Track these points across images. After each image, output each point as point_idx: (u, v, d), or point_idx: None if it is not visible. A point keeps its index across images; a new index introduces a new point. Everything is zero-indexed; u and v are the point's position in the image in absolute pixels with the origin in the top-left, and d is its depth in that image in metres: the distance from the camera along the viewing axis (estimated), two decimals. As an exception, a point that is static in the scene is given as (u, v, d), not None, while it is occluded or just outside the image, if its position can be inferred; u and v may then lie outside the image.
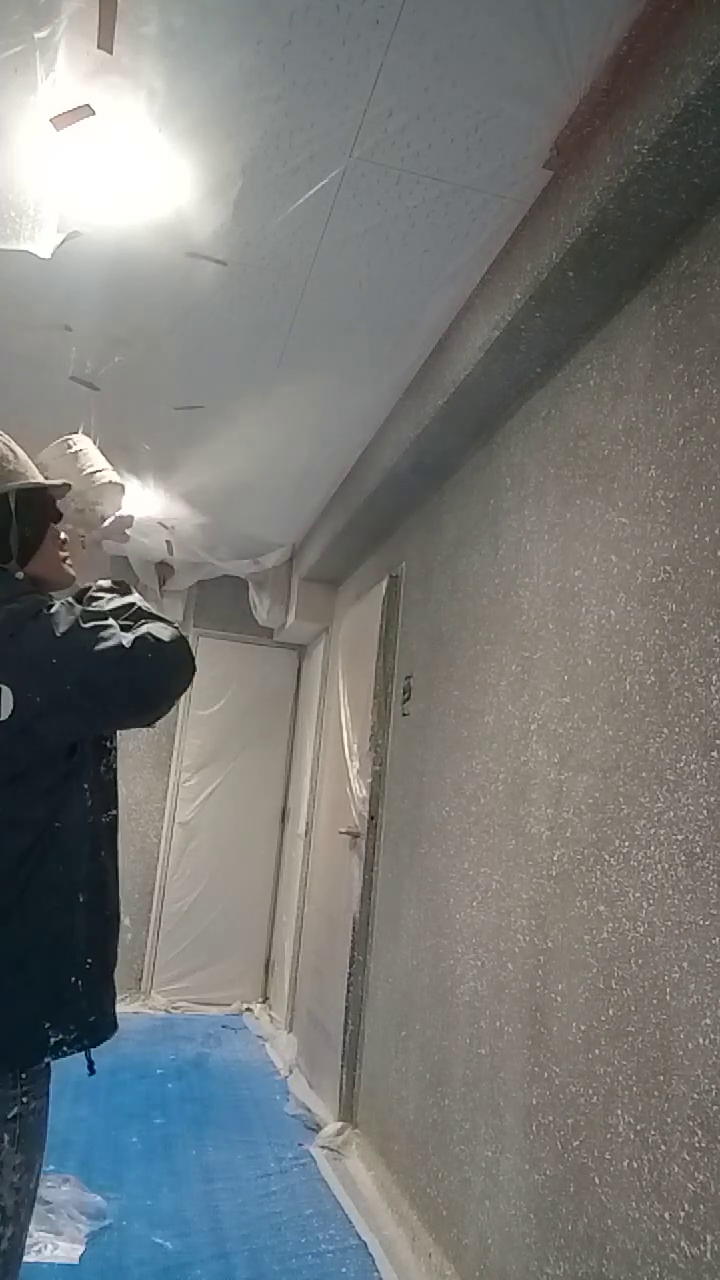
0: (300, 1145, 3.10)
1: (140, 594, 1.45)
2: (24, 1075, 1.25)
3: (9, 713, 1.23)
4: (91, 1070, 1.35)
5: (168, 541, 4.65)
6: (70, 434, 1.75)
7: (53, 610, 1.29)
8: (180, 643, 1.32)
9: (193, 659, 1.35)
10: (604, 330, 2.01)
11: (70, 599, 1.34)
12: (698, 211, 1.67)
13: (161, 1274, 2.23)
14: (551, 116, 1.77)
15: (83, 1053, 1.32)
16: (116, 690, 1.27)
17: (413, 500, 3.36)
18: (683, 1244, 1.32)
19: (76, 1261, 2.22)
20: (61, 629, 1.26)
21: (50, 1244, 2.24)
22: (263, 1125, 3.29)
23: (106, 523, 1.70)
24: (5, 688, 1.24)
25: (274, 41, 1.64)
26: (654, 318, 1.79)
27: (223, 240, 2.23)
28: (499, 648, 2.36)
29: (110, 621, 1.29)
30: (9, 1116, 1.22)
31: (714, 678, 1.43)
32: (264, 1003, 5.07)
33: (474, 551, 2.66)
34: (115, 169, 1.98)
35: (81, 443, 1.73)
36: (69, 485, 1.48)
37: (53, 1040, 1.27)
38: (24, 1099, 1.25)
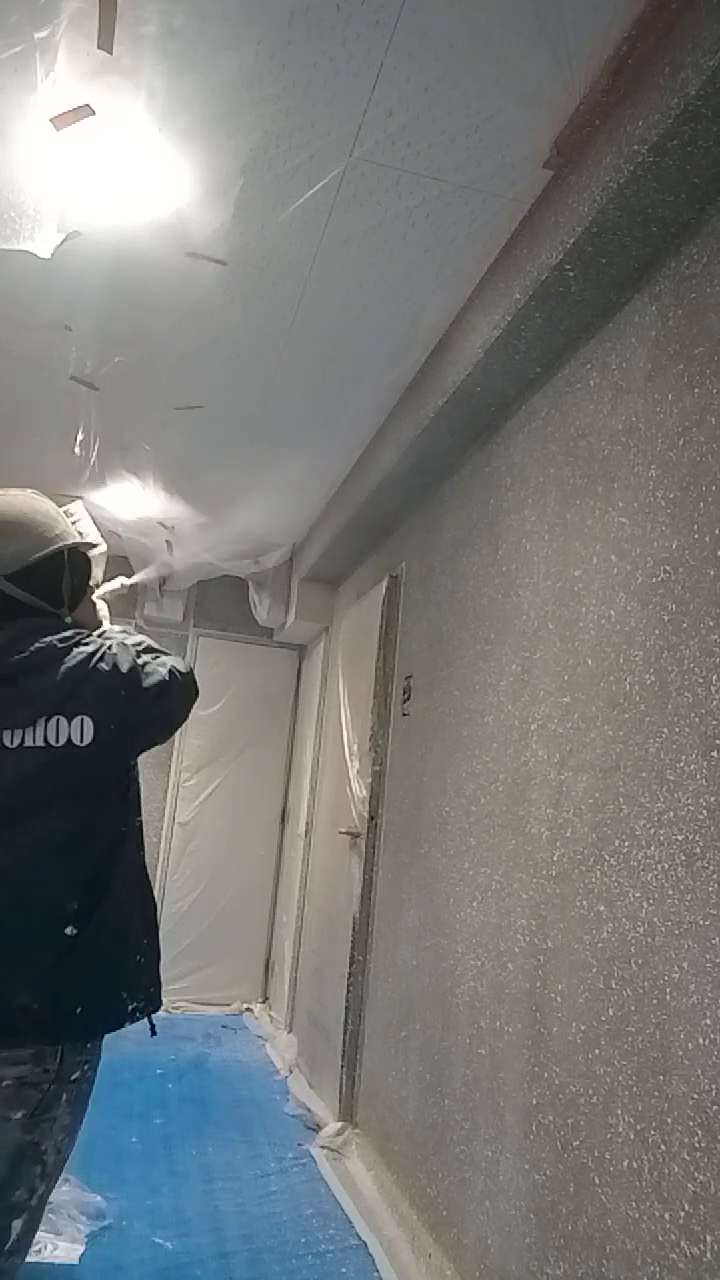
0: (300, 1145, 3.10)
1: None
2: (90, 1045, 1.52)
3: (91, 739, 1.49)
4: (154, 1032, 1.63)
5: (168, 541, 4.65)
6: (69, 503, 1.95)
7: (113, 649, 1.56)
8: (192, 673, 1.67)
9: (198, 687, 1.69)
10: (604, 330, 2.01)
11: (119, 639, 1.62)
12: (698, 211, 1.67)
13: (161, 1274, 2.23)
14: (551, 116, 1.77)
15: (146, 1020, 1.61)
16: (162, 717, 1.62)
17: (413, 500, 3.36)
18: (683, 1244, 1.32)
19: (76, 1262, 2.22)
20: (125, 667, 1.54)
21: (50, 1244, 2.24)
22: (263, 1125, 3.29)
23: (107, 586, 2.01)
24: (87, 718, 1.50)
25: (274, 41, 1.64)
26: (654, 318, 1.79)
27: (223, 240, 2.23)
28: (499, 648, 2.36)
29: (148, 659, 1.60)
30: (72, 1079, 1.47)
31: (714, 678, 1.43)
32: (264, 1003, 5.07)
33: (474, 551, 2.66)
34: (115, 169, 1.98)
35: (79, 513, 1.93)
36: (100, 545, 1.79)
37: (129, 1008, 1.56)
38: (85, 1067, 1.51)
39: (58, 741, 1.49)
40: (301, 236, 2.19)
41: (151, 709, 1.57)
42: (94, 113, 1.78)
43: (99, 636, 1.61)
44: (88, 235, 2.20)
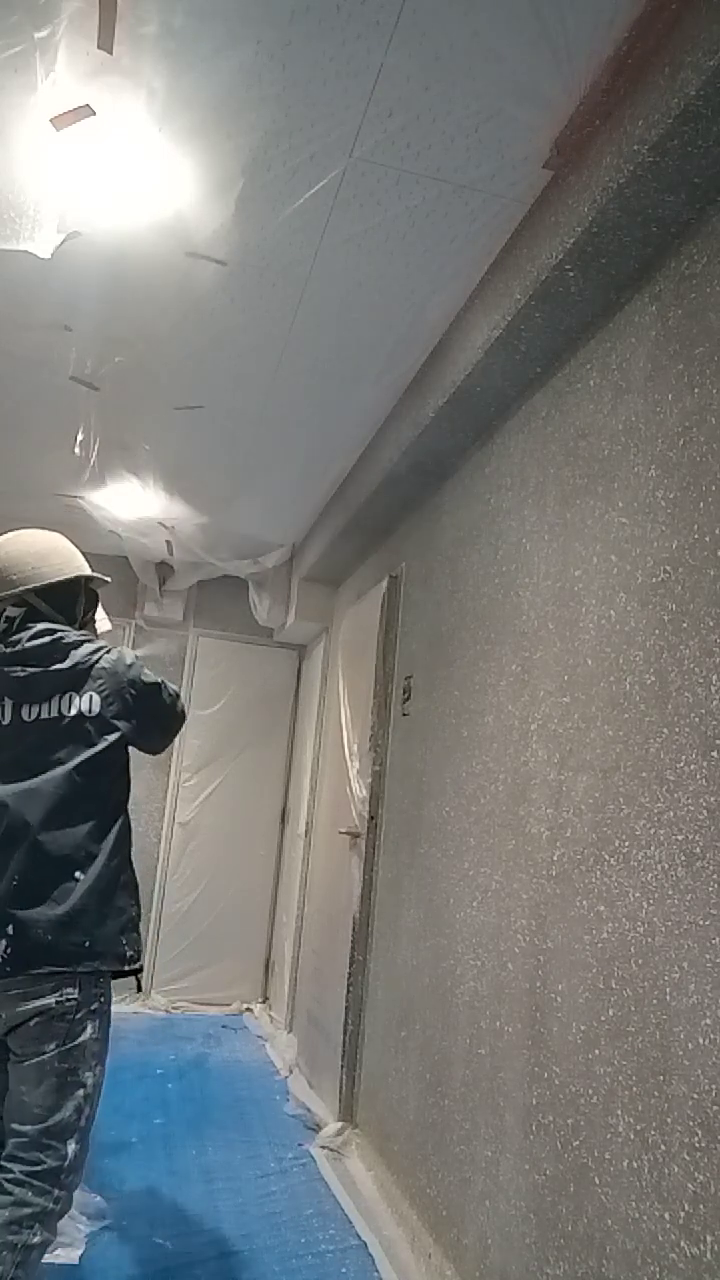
0: (300, 1145, 3.10)
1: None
2: (102, 979, 1.80)
3: (97, 710, 1.89)
4: (140, 988, 2.03)
5: (168, 541, 4.65)
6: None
7: (117, 649, 1.98)
8: (179, 695, 2.09)
9: (185, 712, 2.12)
10: (604, 330, 2.01)
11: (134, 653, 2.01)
12: (698, 211, 1.67)
13: (161, 1274, 2.23)
14: (551, 116, 1.77)
15: (134, 977, 1.89)
16: (155, 699, 1.99)
17: (413, 500, 3.36)
18: (683, 1244, 1.32)
19: (76, 1262, 2.22)
20: (128, 659, 1.96)
21: (50, 1244, 2.24)
22: (263, 1125, 3.29)
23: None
24: (94, 694, 1.89)
25: (274, 41, 1.64)
26: (654, 318, 1.79)
27: (223, 240, 2.23)
28: (499, 648, 2.36)
29: (162, 680, 2.03)
30: (92, 1008, 1.76)
31: (714, 678, 1.43)
32: (264, 1003, 5.07)
33: (474, 551, 2.66)
34: (115, 169, 1.98)
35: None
36: (109, 581, 2.18)
37: (127, 954, 1.83)
38: (101, 998, 1.79)
39: (69, 712, 1.87)
40: (301, 236, 2.19)
41: (146, 689, 1.95)
42: (94, 113, 1.78)
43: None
44: (88, 235, 2.20)
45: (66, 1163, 1.69)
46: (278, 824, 5.36)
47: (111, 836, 1.88)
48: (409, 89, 1.72)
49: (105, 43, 1.62)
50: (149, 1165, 2.85)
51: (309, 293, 2.45)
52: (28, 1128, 1.68)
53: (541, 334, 2.15)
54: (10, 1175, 1.65)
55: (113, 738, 1.90)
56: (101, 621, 2.20)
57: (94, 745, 1.87)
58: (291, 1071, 3.89)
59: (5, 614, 1.95)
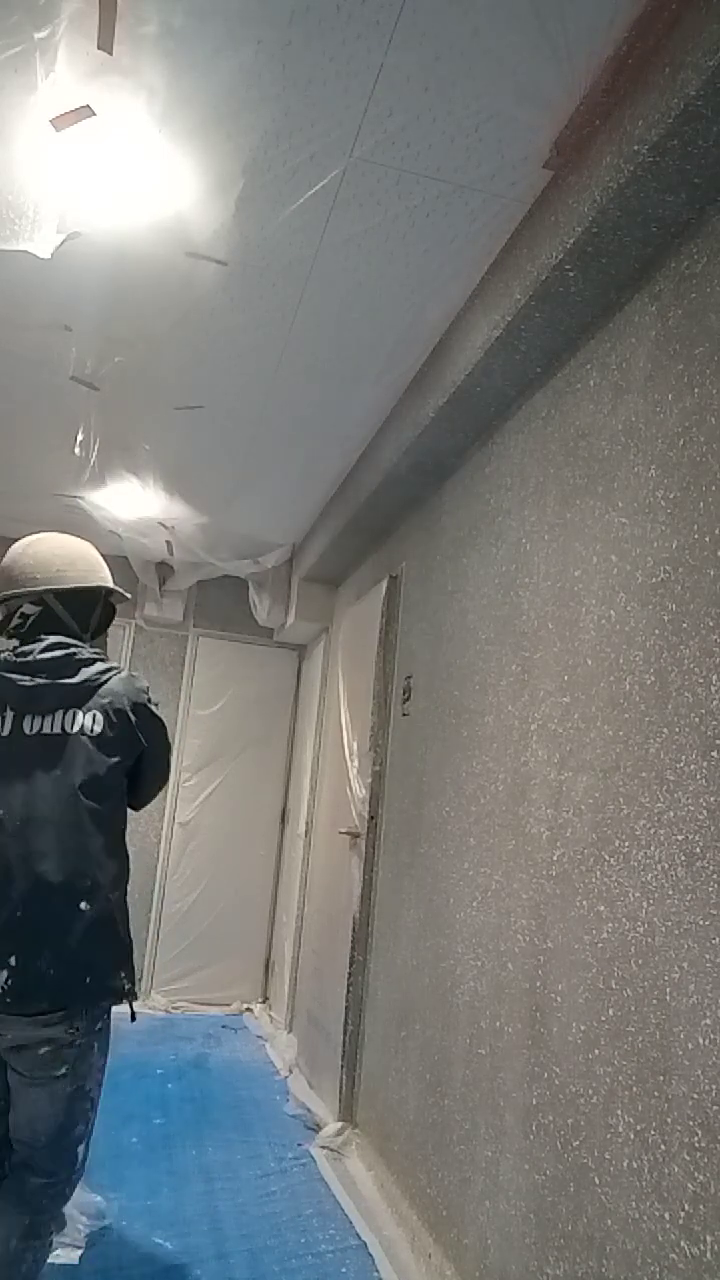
0: (300, 1145, 3.10)
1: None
2: (104, 1005, 1.80)
3: (100, 730, 1.83)
4: (134, 1017, 1.89)
5: (168, 541, 4.65)
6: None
7: (127, 672, 1.95)
8: (171, 750, 2.10)
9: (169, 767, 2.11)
10: (604, 330, 2.01)
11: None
12: (698, 211, 1.67)
13: (161, 1274, 2.23)
14: (551, 116, 1.77)
15: (127, 1004, 1.84)
16: (160, 767, 2.01)
17: (413, 500, 3.36)
18: (683, 1244, 1.32)
19: (76, 1262, 2.22)
20: (140, 684, 1.94)
21: (50, 1244, 2.24)
22: (263, 1125, 3.29)
23: None
24: (98, 712, 1.84)
25: (274, 41, 1.64)
26: (654, 318, 1.79)
27: (223, 240, 2.23)
28: (499, 648, 2.36)
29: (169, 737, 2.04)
30: (96, 1029, 1.77)
31: (714, 678, 1.43)
32: (264, 1003, 5.07)
33: (474, 551, 2.66)
34: (115, 169, 1.98)
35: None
36: (129, 597, 2.17)
37: (125, 987, 1.80)
38: (105, 1017, 1.81)
39: (70, 729, 1.81)
40: (301, 236, 2.19)
41: (151, 719, 1.93)
42: (94, 113, 1.78)
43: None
44: (88, 235, 2.20)
45: (77, 1167, 1.78)
46: (278, 824, 5.36)
47: (115, 864, 1.83)
48: (409, 89, 1.72)
49: (105, 43, 1.62)
50: (149, 1165, 2.85)
51: (309, 293, 2.45)
52: (42, 1140, 1.72)
53: (541, 334, 2.15)
54: (30, 1186, 1.71)
55: (114, 761, 1.84)
56: None
57: (96, 767, 1.81)
58: (291, 1071, 3.88)
59: (21, 611, 1.92)
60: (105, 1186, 2.59)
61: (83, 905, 1.73)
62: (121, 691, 1.88)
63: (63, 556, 1.96)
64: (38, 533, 2.04)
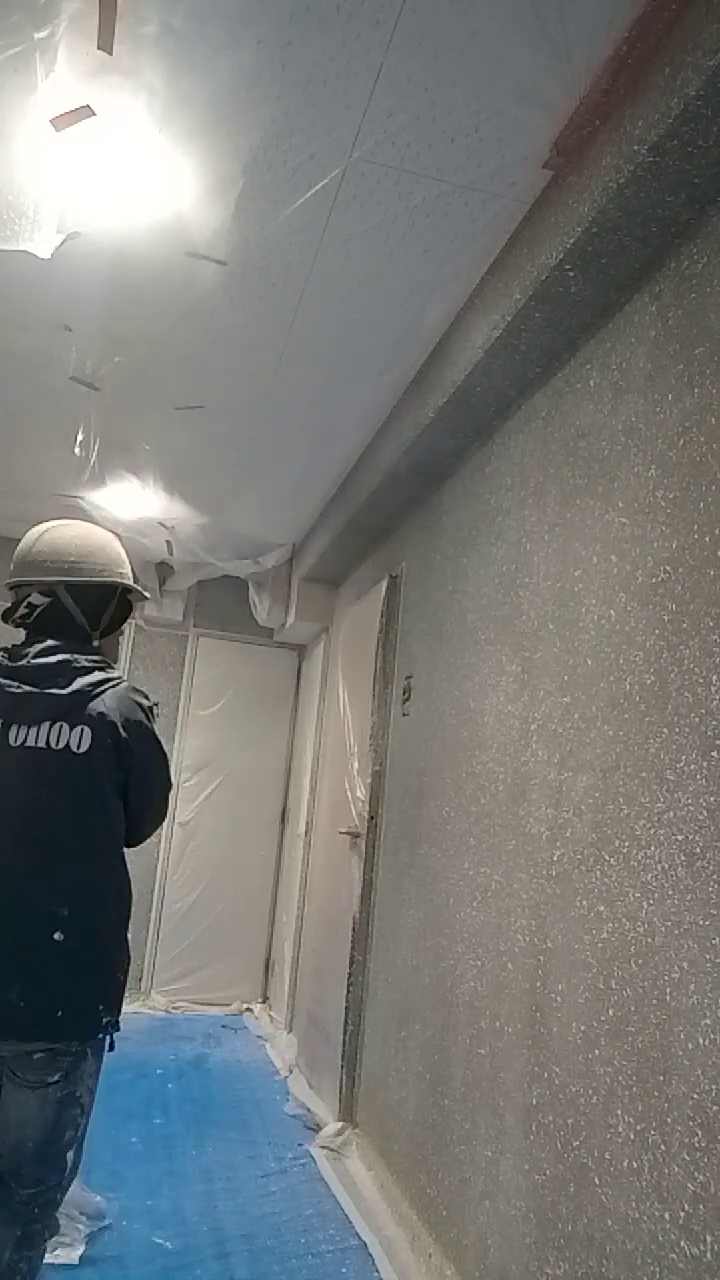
0: (300, 1145, 3.10)
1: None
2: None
3: (87, 748, 1.68)
4: (112, 1047, 1.75)
5: (168, 541, 4.65)
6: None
7: (126, 686, 1.79)
8: (170, 785, 1.93)
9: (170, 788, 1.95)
10: (604, 330, 2.01)
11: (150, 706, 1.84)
12: (698, 211, 1.67)
13: (161, 1274, 2.23)
14: (551, 116, 1.77)
15: (107, 1037, 1.73)
16: (154, 751, 1.81)
17: (413, 500, 3.36)
18: (683, 1244, 1.32)
19: (76, 1262, 2.22)
20: (139, 700, 1.79)
21: (50, 1244, 2.24)
22: (263, 1125, 3.29)
23: None
24: (87, 729, 1.69)
25: (274, 41, 1.64)
26: (654, 318, 1.79)
27: (223, 240, 2.23)
28: (499, 648, 2.36)
29: (169, 770, 1.91)
30: (94, 1040, 1.69)
31: (714, 678, 1.43)
32: (264, 1003, 5.07)
33: (474, 551, 2.66)
34: (115, 169, 1.98)
35: None
36: (148, 596, 2.09)
37: (104, 1020, 1.69)
38: (101, 1035, 1.71)
39: (57, 745, 1.67)
40: (301, 236, 2.19)
41: (147, 738, 1.78)
42: (94, 113, 1.78)
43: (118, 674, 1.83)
44: (88, 235, 2.20)
45: (66, 1174, 1.71)
46: (278, 824, 5.36)
47: (101, 891, 1.71)
48: (409, 89, 1.72)
49: (105, 43, 1.62)
50: (149, 1165, 2.85)
51: (309, 293, 2.45)
52: (29, 1146, 1.65)
53: (541, 334, 2.15)
54: (18, 1198, 1.65)
55: (101, 782, 1.70)
56: None
57: (81, 787, 1.68)
58: (291, 1071, 3.88)
59: (29, 600, 1.81)
60: (105, 1186, 2.59)
61: (57, 936, 1.61)
62: (114, 706, 1.72)
63: (80, 547, 1.83)
64: (60, 518, 1.93)
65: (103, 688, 1.73)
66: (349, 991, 3.25)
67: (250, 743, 5.37)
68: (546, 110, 1.75)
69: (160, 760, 1.83)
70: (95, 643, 1.86)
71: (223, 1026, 4.65)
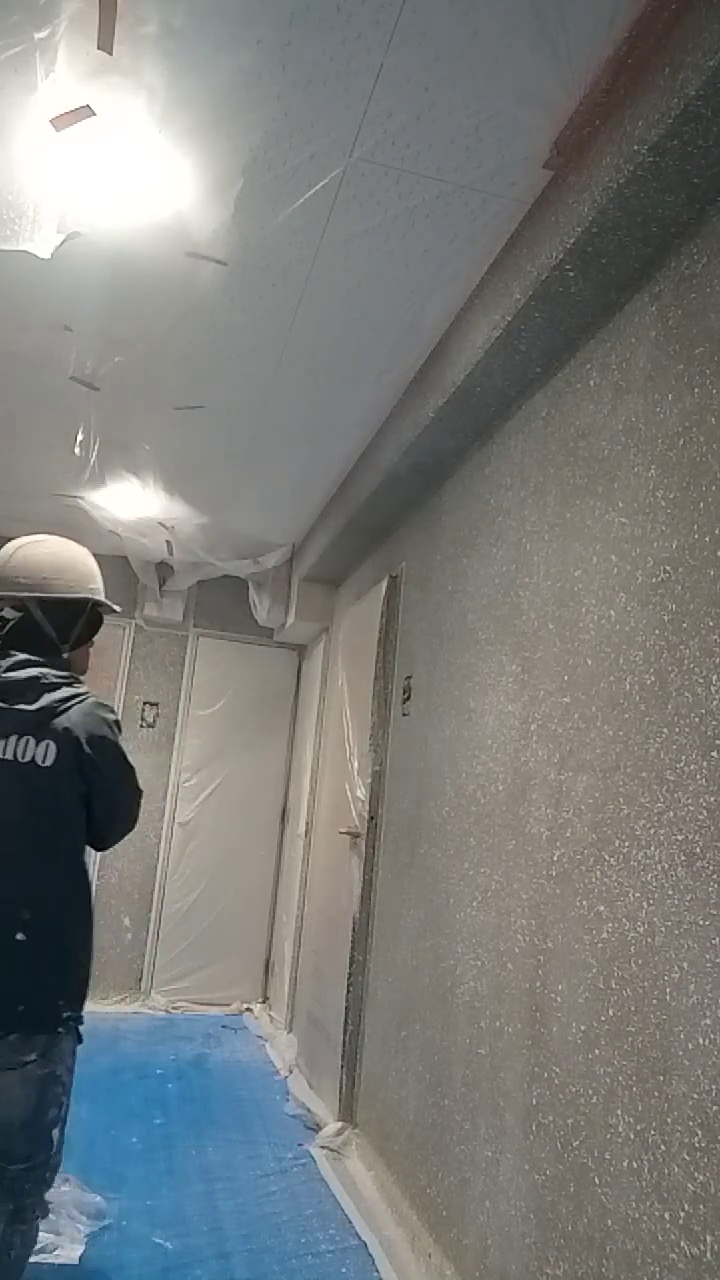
0: (300, 1145, 3.10)
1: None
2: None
3: (52, 762, 1.76)
4: (80, 1040, 1.83)
5: (168, 541, 4.65)
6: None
7: (93, 701, 1.86)
8: (139, 794, 2.00)
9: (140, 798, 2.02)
10: (604, 330, 2.01)
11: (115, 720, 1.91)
12: (698, 211, 1.67)
13: (161, 1274, 2.23)
14: (551, 116, 1.77)
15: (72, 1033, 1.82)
16: (117, 765, 1.87)
17: (413, 500, 3.36)
18: (683, 1244, 1.32)
19: (76, 1261, 2.22)
20: (104, 715, 1.86)
21: (50, 1244, 2.24)
22: (263, 1125, 3.29)
23: None
24: (52, 743, 1.77)
25: (274, 41, 1.64)
26: (654, 318, 1.79)
27: (223, 240, 2.23)
28: (499, 648, 2.36)
29: (136, 780, 1.97)
30: (67, 1019, 1.78)
31: (714, 678, 1.43)
32: (264, 1003, 5.07)
33: (474, 551, 2.66)
34: (115, 169, 1.98)
35: None
36: (118, 610, 2.10)
37: (64, 1015, 1.77)
38: (73, 1020, 1.80)
39: (23, 758, 1.76)
40: (301, 236, 2.19)
41: (110, 753, 1.85)
42: (94, 113, 1.78)
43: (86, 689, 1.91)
44: (88, 235, 2.20)
45: (53, 1151, 1.80)
46: (278, 824, 5.36)
47: (63, 895, 1.81)
48: (409, 89, 1.72)
49: (105, 43, 1.62)
50: (149, 1165, 2.85)
51: (309, 293, 2.45)
52: (15, 1125, 1.74)
53: (541, 334, 2.15)
54: (8, 1174, 1.74)
55: (65, 794, 1.80)
56: None
57: (45, 798, 1.77)
58: (291, 1071, 3.88)
59: (1, 614, 1.90)
60: (105, 1186, 2.59)
61: (19, 936, 1.72)
62: (78, 722, 1.81)
63: (52, 564, 1.93)
64: (36, 534, 2.02)
65: (69, 704, 1.82)
66: (349, 991, 3.25)
67: (250, 743, 5.37)
68: (546, 110, 1.75)
69: (123, 773, 1.90)
70: (65, 655, 1.95)
71: (223, 1027, 4.65)
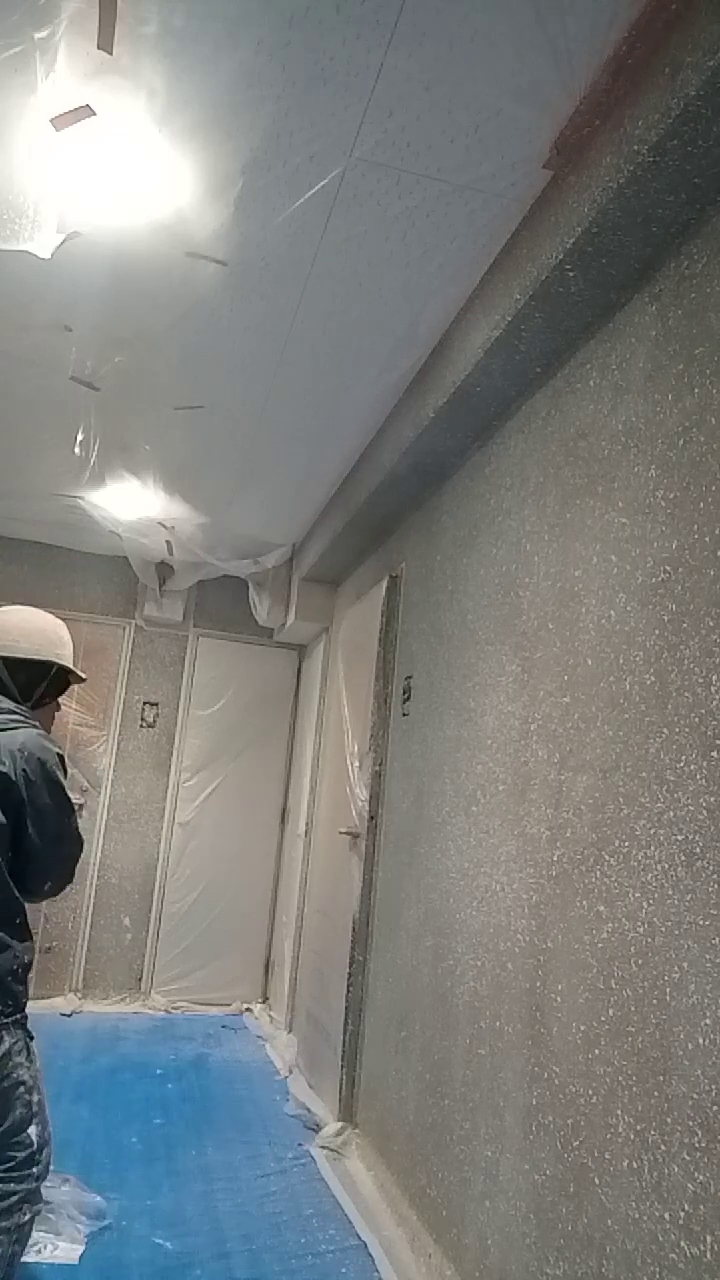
0: (300, 1145, 3.10)
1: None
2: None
3: None
4: (31, 1037, 1.94)
5: (168, 541, 4.65)
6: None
7: (42, 738, 1.97)
8: (80, 842, 2.08)
9: (81, 845, 2.09)
10: (604, 330, 2.01)
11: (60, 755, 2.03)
12: (698, 211, 1.67)
13: (161, 1274, 2.23)
14: (551, 116, 1.77)
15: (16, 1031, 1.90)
16: (52, 796, 1.94)
17: (413, 500, 3.36)
18: (683, 1244, 1.32)
19: (76, 1261, 2.22)
20: (47, 748, 1.96)
21: (50, 1244, 2.24)
22: (262, 1125, 3.29)
23: None
24: None
25: (274, 41, 1.64)
26: (654, 318, 1.79)
27: (223, 240, 2.23)
28: (499, 648, 2.36)
29: (77, 822, 2.05)
30: (6, 1021, 1.86)
31: (714, 678, 1.43)
32: (264, 1003, 5.07)
33: (474, 551, 2.66)
34: (115, 169, 1.98)
35: None
36: (85, 679, 2.30)
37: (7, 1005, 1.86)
38: (12, 1014, 1.88)
39: None
40: (301, 236, 2.19)
41: (46, 781, 1.93)
42: (94, 113, 1.78)
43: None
44: (88, 235, 2.20)
45: (34, 1148, 1.86)
46: (278, 824, 5.36)
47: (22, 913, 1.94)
48: (409, 89, 1.72)
49: (105, 43, 1.62)
50: (149, 1165, 2.85)
51: (309, 293, 2.45)
52: None
53: (541, 334, 2.15)
54: None
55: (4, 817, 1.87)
56: None
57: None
58: (291, 1071, 3.88)
59: None
60: (105, 1186, 2.59)
61: None
62: (20, 749, 1.90)
63: (20, 630, 2.12)
64: (12, 606, 2.23)
65: (8, 731, 1.94)
66: (349, 991, 3.25)
67: (250, 743, 5.37)
68: (546, 110, 1.75)
69: (56, 805, 1.94)
70: (29, 708, 2.09)
71: (223, 1026, 4.65)
